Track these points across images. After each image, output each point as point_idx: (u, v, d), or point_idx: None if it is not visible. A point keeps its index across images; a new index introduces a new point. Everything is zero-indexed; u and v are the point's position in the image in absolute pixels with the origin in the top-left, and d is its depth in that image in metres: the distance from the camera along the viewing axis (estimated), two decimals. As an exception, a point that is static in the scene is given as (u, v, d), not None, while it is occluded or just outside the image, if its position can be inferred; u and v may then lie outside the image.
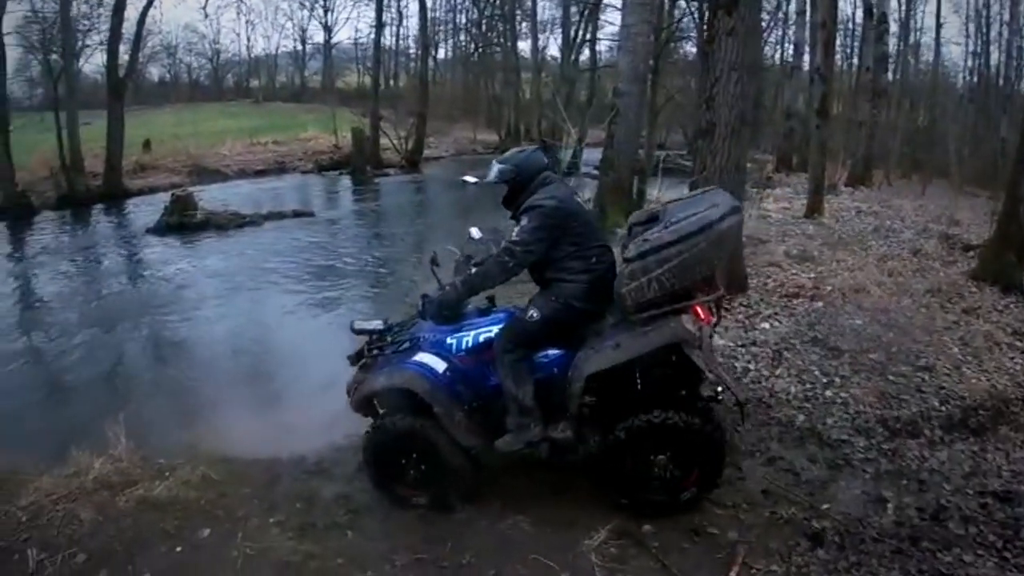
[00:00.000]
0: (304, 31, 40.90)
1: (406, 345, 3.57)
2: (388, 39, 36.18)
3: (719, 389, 3.24)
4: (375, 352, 3.62)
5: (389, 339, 3.64)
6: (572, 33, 25.62)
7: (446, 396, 3.39)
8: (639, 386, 3.32)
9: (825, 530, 3.27)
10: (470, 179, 3.89)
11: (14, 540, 3.33)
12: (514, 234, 3.30)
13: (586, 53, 25.97)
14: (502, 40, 31.92)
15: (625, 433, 3.21)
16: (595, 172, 17.24)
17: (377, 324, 3.69)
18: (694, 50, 21.53)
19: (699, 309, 3.22)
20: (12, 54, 17.73)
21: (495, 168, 3.49)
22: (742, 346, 5.17)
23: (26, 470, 4.04)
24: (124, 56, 18.96)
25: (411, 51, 38.84)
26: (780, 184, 14.64)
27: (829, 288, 6.41)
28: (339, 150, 21.49)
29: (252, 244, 11.71)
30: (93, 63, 23.17)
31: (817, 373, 4.84)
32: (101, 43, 20.37)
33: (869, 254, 8.04)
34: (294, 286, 9.24)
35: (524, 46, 32.30)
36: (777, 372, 4.82)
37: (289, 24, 41.76)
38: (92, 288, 9.99)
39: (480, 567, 3.13)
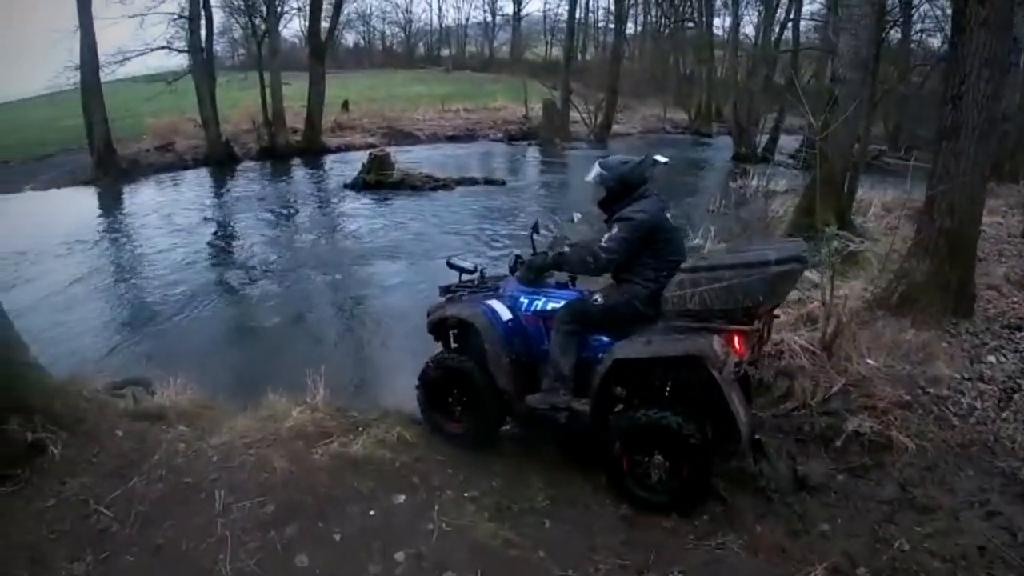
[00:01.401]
0: (494, 2, 41.27)
1: (487, 290, 4.01)
2: (578, 11, 35.72)
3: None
4: (461, 288, 4.08)
5: (476, 281, 4.11)
6: (773, 10, 23.29)
7: (500, 340, 3.72)
8: (662, 387, 3.42)
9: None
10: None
11: (203, 478, 3.15)
12: (603, 240, 3.48)
13: (786, 33, 23.59)
14: (696, 15, 30.03)
15: (622, 423, 3.40)
16: (790, 162, 15.95)
17: (469, 265, 4.18)
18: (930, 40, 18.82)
19: (736, 338, 3.24)
20: (216, 16, 18.97)
21: (597, 170, 3.65)
22: (968, 379, 4.41)
23: (222, 407, 4.03)
24: (323, 23, 19.60)
25: (601, 24, 37.82)
26: (991, 194, 12.24)
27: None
28: (528, 121, 21.04)
29: (445, 207, 11.28)
30: (292, 28, 24.51)
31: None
32: (299, 9, 21.34)
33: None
34: (488, 251, 8.66)
35: (719, 23, 30.12)
36: (1004, 415, 4.11)
37: (478, -6, 42.14)
38: (292, 236, 10.13)
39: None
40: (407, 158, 14.78)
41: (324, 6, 19.10)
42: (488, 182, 13.08)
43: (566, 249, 3.74)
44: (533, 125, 20.78)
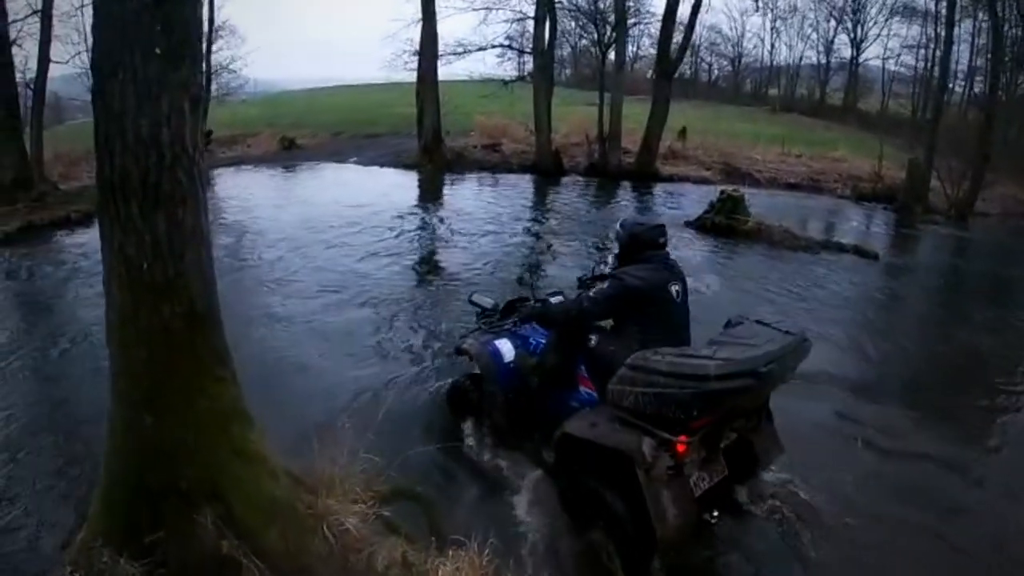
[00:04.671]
0: (830, 44, 37.64)
1: (504, 327, 4.24)
2: (920, 61, 30.95)
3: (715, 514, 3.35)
4: (482, 322, 4.45)
5: (496, 318, 4.36)
6: None
7: (497, 379, 4.05)
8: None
9: None
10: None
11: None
12: (592, 291, 3.63)
13: None
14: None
15: (564, 484, 3.60)
16: None
17: (488, 302, 4.54)
18: None
19: (681, 446, 3.07)
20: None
21: (616, 226, 3.79)
22: None
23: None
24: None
25: (959, 79, 32.72)
26: None
27: None
28: (880, 180, 18.03)
29: (812, 278, 9.02)
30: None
31: None
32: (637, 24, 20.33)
33: None
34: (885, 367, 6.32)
35: None
36: None
37: (814, 35, 38.60)
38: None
39: None
40: (748, 202, 12.81)
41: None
42: (858, 252, 10.62)
43: (558, 299, 4.13)
44: (886, 186, 17.74)
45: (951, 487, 4.23)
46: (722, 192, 11.49)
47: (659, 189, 15.32)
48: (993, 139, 18.84)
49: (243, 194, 13.55)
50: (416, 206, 12.93)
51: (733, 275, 8.85)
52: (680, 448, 3.07)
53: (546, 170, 16.73)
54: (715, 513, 3.38)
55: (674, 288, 3.59)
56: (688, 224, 11.37)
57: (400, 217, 11.37)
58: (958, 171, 18.27)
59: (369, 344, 6.04)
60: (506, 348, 4.12)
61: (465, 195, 14.32)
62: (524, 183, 15.81)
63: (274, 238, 9.74)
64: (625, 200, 14.52)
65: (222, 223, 10.43)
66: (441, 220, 11.45)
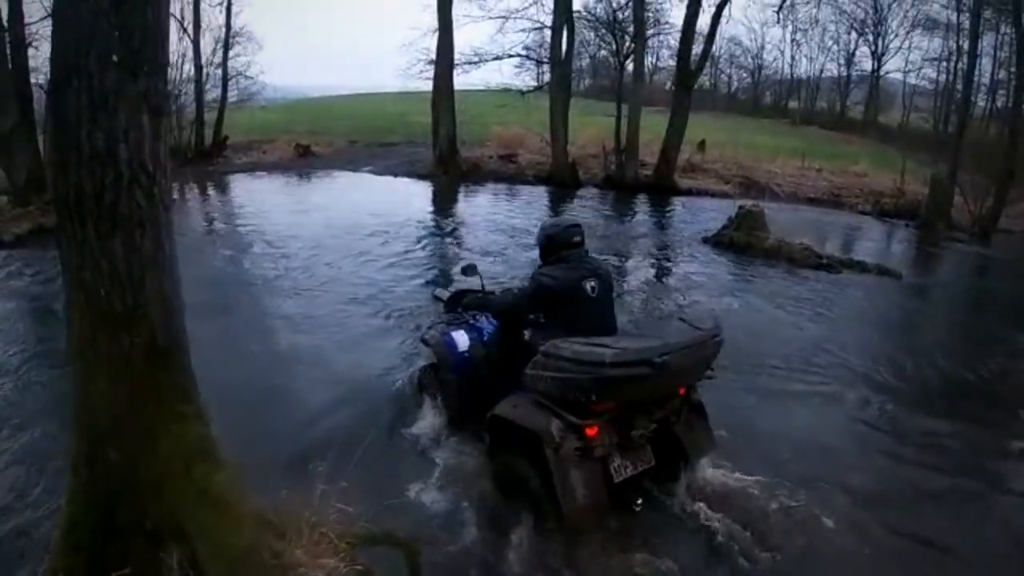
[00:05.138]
0: (851, 56, 37.29)
1: (465, 320, 4.67)
2: (942, 74, 30.52)
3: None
4: (443, 314, 4.97)
5: (459, 310, 4.69)
6: None
7: (452, 367, 4.42)
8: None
9: None
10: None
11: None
12: (515, 288, 4.44)
13: None
14: None
15: (491, 459, 3.86)
16: None
17: (445, 295, 4.93)
18: None
19: (590, 429, 3.32)
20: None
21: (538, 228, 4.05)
22: None
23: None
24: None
25: (982, 93, 32.35)
26: None
27: None
28: (902, 195, 17.69)
29: (835, 299, 8.70)
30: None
31: None
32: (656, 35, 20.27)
33: None
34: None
35: None
36: None
37: (835, 47, 38.19)
38: (649, 290, 8.62)
39: None
40: (768, 217, 12.56)
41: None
42: (881, 271, 10.35)
43: (498, 292, 4.61)
44: (908, 201, 17.40)
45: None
46: (741, 207, 11.28)
47: (677, 202, 15.14)
48: (1018, 154, 18.43)
49: (256, 200, 13.69)
50: (431, 216, 12.86)
51: (753, 296, 8.60)
52: (589, 432, 3.33)
53: (562, 182, 16.60)
54: (639, 501, 3.55)
55: (589, 285, 3.80)
56: (706, 240, 11.19)
57: (411, 227, 11.34)
58: (981, 187, 17.95)
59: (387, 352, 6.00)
60: (462, 339, 4.45)
61: (480, 206, 14.22)
62: (539, 195, 15.70)
63: (284, 246, 9.76)
64: (641, 214, 14.34)
65: (235, 228, 10.43)
66: (454, 232, 11.34)
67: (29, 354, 5.84)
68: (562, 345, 3.37)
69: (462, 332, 4.50)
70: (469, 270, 4.67)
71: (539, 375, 3.42)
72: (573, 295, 3.75)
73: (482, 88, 20.52)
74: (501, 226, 11.87)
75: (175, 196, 14.94)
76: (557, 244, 3.86)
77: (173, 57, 18.83)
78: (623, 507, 3.51)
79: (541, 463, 3.39)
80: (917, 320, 8.78)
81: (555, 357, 3.35)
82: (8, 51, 11.80)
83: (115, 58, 2.38)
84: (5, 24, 11.54)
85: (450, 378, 4.43)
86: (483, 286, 4.61)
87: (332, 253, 9.42)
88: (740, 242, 10.63)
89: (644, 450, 3.63)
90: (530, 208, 14.03)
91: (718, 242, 10.92)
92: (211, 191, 15.86)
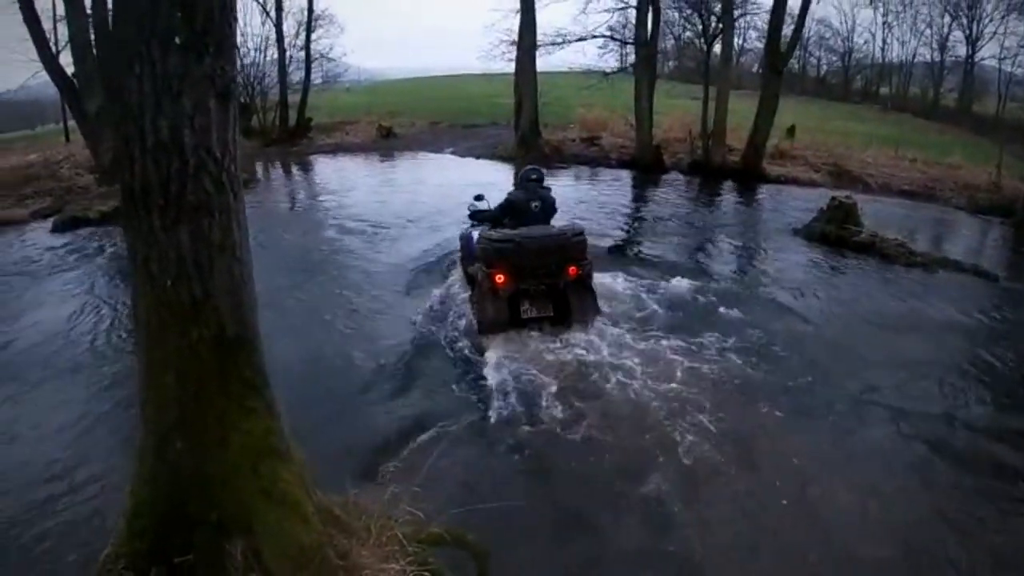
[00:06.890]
0: (944, 41, 35.42)
1: (476, 225, 7.33)
2: None
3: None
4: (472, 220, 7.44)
5: (474, 220, 7.37)
6: None
7: (469, 252, 6.99)
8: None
9: None
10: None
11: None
12: (497, 207, 6.96)
13: None
14: None
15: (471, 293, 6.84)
16: None
17: (482, 205, 7.45)
18: None
19: (499, 275, 5.91)
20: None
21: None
22: None
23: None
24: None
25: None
26: None
27: None
28: (998, 190, 16.90)
29: (931, 300, 8.57)
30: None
31: None
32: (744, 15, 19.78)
33: None
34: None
35: None
36: None
37: (928, 31, 36.27)
38: (740, 284, 8.68)
39: None
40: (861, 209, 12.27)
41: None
42: (978, 273, 10.06)
43: (493, 206, 7.13)
44: (1004, 197, 16.59)
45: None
46: (833, 199, 11.15)
47: (764, 191, 14.91)
48: None
49: (340, 177, 15.02)
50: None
51: (846, 296, 8.51)
52: (496, 278, 5.92)
53: (646, 166, 16.53)
54: (537, 329, 6.15)
55: (533, 204, 6.61)
56: (796, 232, 11.13)
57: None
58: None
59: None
60: (474, 236, 6.88)
61: (561, 190, 14.31)
62: (623, 179, 15.75)
63: (367, 226, 10.86)
64: (729, 202, 14.28)
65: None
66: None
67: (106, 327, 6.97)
68: (491, 232, 6.22)
69: (476, 232, 6.92)
70: (479, 198, 7.44)
71: (482, 247, 6.10)
72: (522, 208, 6.60)
73: (565, 70, 20.49)
74: (585, 213, 12.09)
75: (271, 176, 15.76)
76: (521, 179, 6.74)
77: (257, 40, 19.62)
78: (525, 329, 6.11)
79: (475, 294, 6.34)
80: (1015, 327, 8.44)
81: (486, 239, 6.06)
82: (93, 36, 12.61)
83: (178, 40, 2.28)
84: (89, 10, 12.32)
85: (465, 255, 7.23)
86: (489, 206, 7.26)
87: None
88: (832, 235, 10.54)
89: (546, 303, 6.14)
90: (612, 193, 14.17)
91: (809, 235, 10.85)
92: (295, 170, 16.88)
